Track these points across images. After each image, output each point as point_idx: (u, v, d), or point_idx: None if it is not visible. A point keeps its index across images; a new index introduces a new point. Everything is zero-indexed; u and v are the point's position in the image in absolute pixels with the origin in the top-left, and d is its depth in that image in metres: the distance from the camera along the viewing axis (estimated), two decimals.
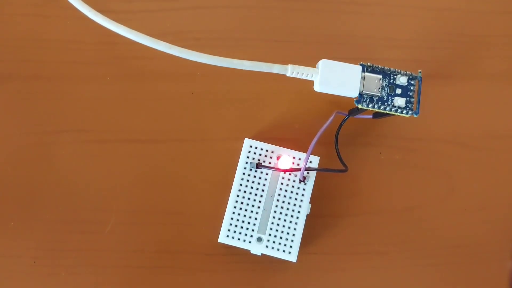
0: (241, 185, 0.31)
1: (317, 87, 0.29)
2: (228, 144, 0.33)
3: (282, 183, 0.32)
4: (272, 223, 0.31)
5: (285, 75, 0.30)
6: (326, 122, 0.31)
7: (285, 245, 0.31)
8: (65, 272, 0.32)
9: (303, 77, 0.29)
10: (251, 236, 0.31)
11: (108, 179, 0.33)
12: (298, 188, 0.32)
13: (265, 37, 0.35)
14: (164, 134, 0.34)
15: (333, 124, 0.31)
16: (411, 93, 0.30)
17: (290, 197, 0.31)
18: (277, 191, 0.31)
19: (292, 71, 0.29)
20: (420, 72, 0.30)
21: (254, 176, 0.32)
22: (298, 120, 0.34)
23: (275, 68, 0.29)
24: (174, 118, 0.34)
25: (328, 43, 0.35)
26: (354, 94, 0.29)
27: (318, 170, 0.32)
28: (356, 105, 0.29)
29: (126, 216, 0.33)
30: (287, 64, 0.29)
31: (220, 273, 0.32)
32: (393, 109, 0.29)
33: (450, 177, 0.34)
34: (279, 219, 0.31)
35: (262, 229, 0.31)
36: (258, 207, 0.31)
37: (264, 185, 0.32)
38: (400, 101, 0.29)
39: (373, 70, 0.30)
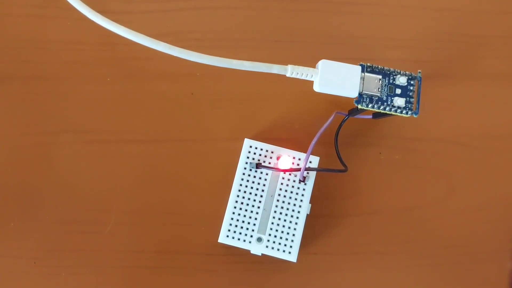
0: (241, 185, 0.31)
1: (316, 87, 0.29)
2: (228, 144, 0.33)
3: (282, 183, 0.32)
4: (272, 223, 0.31)
5: (285, 76, 0.30)
6: (326, 122, 0.31)
7: (285, 245, 0.31)
8: (65, 272, 0.32)
9: (303, 77, 0.29)
10: (251, 236, 0.31)
11: (108, 179, 0.33)
12: (298, 188, 0.32)
13: (264, 37, 0.35)
14: (164, 135, 0.34)
15: (333, 124, 0.31)
16: (410, 93, 0.30)
17: (290, 197, 0.31)
18: (277, 191, 0.31)
19: (291, 71, 0.29)
20: (419, 72, 0.30)
21: (254, 176, 0.32)
22: (298, 120, 0.34)
23: (275, 69, 0.29)
24: (174, 118, 0.34)
25: (327, 43, 0.35)
26: (354, 94, 0.29)
27: (318, 170, 0.32)
28: (356, 105, 0.29)
29: (126, 216, 0.33)
30: (286, 65, 0.29)
31: (220, 273, 0.32)
32: (392, 109, 0.29)
33: (450, 177, 0.34)
34: (279, 219, 0.31)
35: (262, 229, 0.31)
36: (258, 207, 0.31)
37: (264, 185, 0.32)
38: (399, 101, 0.29)
39: (372, 70, 0.30)
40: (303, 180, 0.31)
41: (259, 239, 0.31)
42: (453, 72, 0.35)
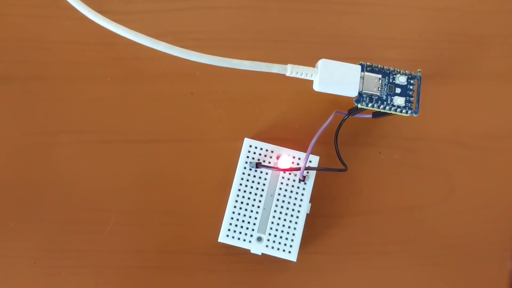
0: (241, 184, 0.31)
1: (316, 87, 0.29)
2: (228, 144, 0.33)
3: (282, 183, 0.32)
4: (272, 222, 0.31)
5: (284, 75, 0.30)
6: (325, 122, 0.31)
7: (285, 244, 0.31)
8: (66, 272, 0.32)
9: (303, 77, 0.29)
10: (251, 235, 0.31)
11: (108, 179, 0.33)
12: (298, 187, 0.32)
13: (264, 37, 0.35)
14: (164, 134, 0.34)
15: (333, 123, 0.31)
16: (410, 93, 0.30)
17: (290, 197, 0.31)
18: (277, 191, 0.31)
19: (291, 71, 0.29)
20: (419, 71, 0.30)
21: (254, 176, 0.32)
22: (298, 119, 0.34)
23: (275, 68, 0.29)
24: (174, 118, 0.34)
25: (327, 43, 0.35)
26: (354, 93, 0.29)
27: (317, 169, 0.32)
28: (356, 104, 0.29)
29: (126, 216, 0.33)
30: (286, 64, 0.29)
31: (220, 273, 0.32)
32: (392, 109, 0.29)
33: (450, 176, 0.34)
34: (279, 218, 0.31)
35: (262, 229, 0.31)
36: (258, 207, 0.31)
37: (264, 184, 0.32)
38: (399, 101, 0.29)
39: (372, 70, 0.30)
40: (303, 179, 0.31)
41: (259, 239, 0.31)
42: (453, 72, 0.35)
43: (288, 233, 0.31)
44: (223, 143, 0.34)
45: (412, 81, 0.30)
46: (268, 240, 0.31)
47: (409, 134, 0.34)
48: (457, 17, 0.36)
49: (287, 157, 0.32)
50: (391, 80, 0.30)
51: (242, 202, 0.31)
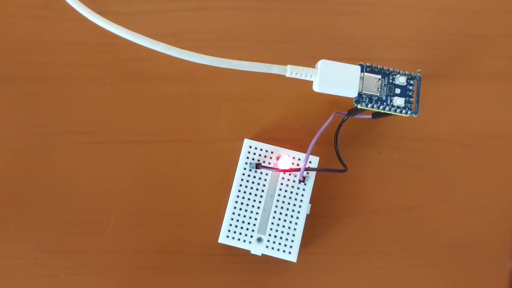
0: (241, 185, 0.31)
1: (316, 88, 0.29)
2: (228, 144, 0.33)
3: (282, 184, 0.32)
4: (272, 223, 0.31)
5: (284, 76, 0.30)
6: (325, 122, 0.31)
7: (285, 245, 0.31)
8: (66, 273, 0.32)
9: (302, 77, 0.29)
10: (251, 236, 0.31)
11: (108, 180, 0.33)
12: (298, 188, 0.32)
13: (264, 38, 0.35)
14: (164, 135, 0.34)
15: (333, 124, 0.31)
16: (410, 93, 0.30)
17: (290, 197, 0.31)
18: (277, 191, 0.31)
19: (291, 71, 0.29)
20: (419, 72, 0.30)
21: (254, 177, 0.32)
22: (298, 120, 0.34)
23: (274, 69, 0.29)
24: (174, 119, 0.34)
25: (327, 43, 0.35)
26: (353, 94, 0.29)
27: (317, 170, 0.32)
28: (355, 105, 0.29)
29: (126, 217, 0.33)
30: (286, 65, 0.29)
31: (221, 274, 0.32)
32: (392, 109, 0.29)
33: (449, 177, 0.34)
34: (279, 219, 0.31)
35: (262, 229, 0.31)
36: (258, 208, 0.31)
37: (264, 185, 0.32)
38: (399, 101, 0.29)
39: (372, 70, 0.30)
40: (303, 180, 0.31)
41: (259, 239, 0.31)
42: (453, 72, 0.35)
43: (288, 233, 0.31)
44: (223, 143, 0.34)
45: (411, 82, 0.30)
46: (268, 240, 0.31)
47: (409, 135, 0.34)
48: (456, 17, 0.36)
49: (287, 158, 0.32)
50: (390, 81, 0.30)
51: (242, 203, 0.31)
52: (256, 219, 0.31)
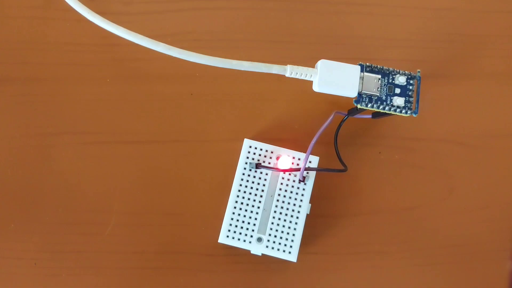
0: (241, 185, 0.31)
1: (316, 87, 0.29)
2: (228, 144, 0.33)
3: (282, 183, 0.32)
4: (272, 223, 0.31)
5: (284, 76, 0.30)
6: (325, 122, 0.31)
7: (285, 245, 0.31)
8: (66, 273, 0.32)
9: (302, 77, 0.29)
10: (251, 236, 0.31)
11: (108, 180, 0.33)
12: (298, 188, 0.32)
13: (264, 38, 0.35)
14: (164, 135, 0.34)
15: (333, 124, 0.31)
16: (410, 93, 0.30)
17: (290, 197, 0.31)
18: (277, 191, 0.32)
19: (291, 71, 0.29)
20: (419, 71, 0.30)
21: (254, 177, 0.32)
22: (298, 120, 0.34)
23: (274, 69, 0.29)
24: (174, 119, 0.34)
25: (326, 43, 0.35)
26: (353, 94, 0.29)
27: (317, 170, 0.32)
28: (355, 105, 0.29)
29: (126, 217, 0.33)
30: (286, 65, 0.29)
31: (221, 274, 0.32)
32: (392, 109, 0.29)
33: (449, 176, 0.34)
34: (279, 219, 0.31)
35: (262, 229, 0.31)
36: (258, 207, 0.31)
37: (264, 185, 0.32)
38: (399, 101, 0.29)
39: (372, 70, 0.30)
40: (303, 180, 0.31)
41: (259, 239, 0.31)
42: (452, 72, 0.35)
43: (288, 233, 0.31)
44: (223, 143, 0.34)
45: (411, 81, 0.30)
46: (268, 240, 0.31)
47: (408, 134, 0.34)
48: (456, 16, 0.36)
49: (287, 158, 0.32)
50: (390, 81, 0.30)
51: (242, 203, 0.31)
52: (256, 219, 0.31)
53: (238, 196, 0.31)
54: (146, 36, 0.29)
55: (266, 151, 0.32)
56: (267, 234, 0.31)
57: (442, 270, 0.33)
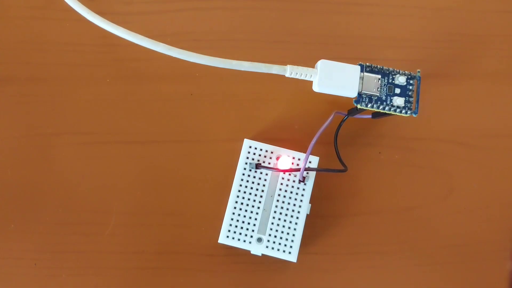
0: (240, 185, 0.31)
1: (316, 88, 0.29)
2: (228, 145, 0.33)
3: (281, 184, 0.32)
4: (272, 223, 0.31)
5: (284, 76, 0.30)
6: (325, 122, 0.31)
7: (285, 245, 0.31)
8: (66, 274, 0.32)
9: (302, 77, 0.29)
10: (251, 236, 0.31)
11: (108, 180, 0.33)
12: (298, 188, 0.32)
13: (263, 38, 0.35)
14: (164, 135, 0.34)
15: (332, 124, 0.31)
16: (410, 93, 0.30)
17: (290, 197, 0.31)
18: (277, 192, 0.32)
19: (291, 71, 0.29)
20: (418, 71, 0.30)
21: (254, 177, 0.32)
22: (297, 120, 0.34)
23: (274, 69, 0.29)
24: (174, 119, 0.34)
25: (326, 43, 0.35)
26: (353, 94, 0.29)
27: (317, 170, 0.32)
28: (355, 105, 0.29)
29: (126, 217, 0.33)
30: (286, 65, 0.29)
31: (221, 274, 0.32)
32: (392, 109, 0.29)
33: (449, 176, 0.34)
34: (279, 219, 0.31)
35: (262, 230, 0.31)
36: (258, 208, 0.31)
37: (263, 185, 0.32)
38: (399, 101, 0.29)
39: (372, 70, 0.30)
40: (302, 180, 0.31)
41: (259, 240, 0.31)
42: (452, 71, 0.35)
43: (288, 233, 0.31)
44: (223, 144, 0.34)
45: (411, 81, 0.30)
46: (268, 240, 0.31)
47: (408, 134, 0.34)
48: (456, 16, 0.36)
49: (286, 158, 0.32)
50: (390, 81, 0.30)
51: (242, 203, 0.31)
52: (256, 219, 0.31)
53: (238, 196, 0.31)
54: (146, 36, 0.29)
55: (266, 151, 0.32)
56: (267, 234, 0.31)
57: (442, 270, 0.33)
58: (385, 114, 0.30)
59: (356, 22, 0.35)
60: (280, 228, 0.31)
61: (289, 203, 0.31)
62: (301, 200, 0.31)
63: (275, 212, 0.31)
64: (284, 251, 0.31)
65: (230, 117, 0.34)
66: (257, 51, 0.35)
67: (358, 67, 0.29)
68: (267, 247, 0.31)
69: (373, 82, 0.30)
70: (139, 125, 0.34)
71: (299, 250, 0.31)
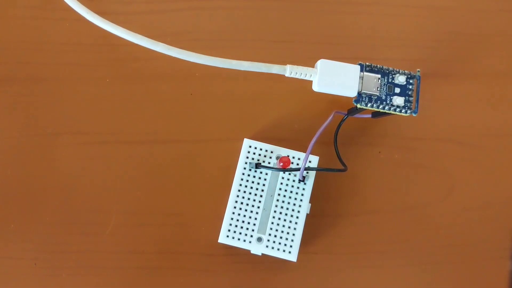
0: (240, 185, 0.31)
1: (315, 87, 0.29)
2: (228, 144, 0.33)
3: (281, 183, 0.32)
4: (272, 223, 0.31)
5: (284, 76, 0.30)
6: (325, 122, 0.31)
7: (285, 244, 0.31)
8: (66, 273, 0.32)
9: (302, 77, 0.29)
10: (251, 236, 0.31)
11: (108, 180, 0.33)
12: (298, 187, 0.32)
13: (263, 37, 0.35)
14: (164, 135, 0.34)
15: (332, 123, 0.31)
16: (409, 92, 0.30)
17: (290, 197, 0.31)
18: (277, 191, 0.32)
19: (290, 71, 0.29)
20: (418, 71, 0.30)
21: (254, 176, 0.32)
22: (297, 120, 0.34)
23: (274, 69, 0.29)
24: (173, 119, 0.34)
25: (326, 43, 0.35)
26: (353, 93, 0.29)
27: (317, 169, 0.32)
28: (355, 104, 0.29)
29: (126, 217, 0.33)
30: (285, 65, 0.29)
31: (221, 274, 0.32)
32: (391, 108, 0.29)
33: (449, 176, 0.34)
34: (279, 219, 0.31)
35: (262, 229, 0.31)
36: (258, 207, 0.31)
37: (263, 185, 0.32)
38: (398, 100, 0.29)
39: (371, 70, 0.30)
40: (302, 179, 0.31)
41: (259, 239, 0.31)
42: (452, 71, 0.35)
43: (288, 233, 0.31)
44: (223, 143, 0.34)
45: (411, 81, 0.30)
46: (268, 240, 0.31)
47: (408, 134, 0.34)
48: (456, 16, 0.36)
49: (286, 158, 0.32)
50: (390, 80, 0.30)
51: (242, 203, 0.31)
52: (256, 218, 0.31)
53: (238, 196, 0.31)
54: (146, 36, 0.29)
55: (266, 150, 0.32)
56: (267, 234, 0.31)
57: (442, 270, 0.33)
58: (385, 113, 0.30)
59: (356, 22, 0.35)
60: (280, 228, 0.31)
61: (289, 203, 0.31)
62: (301, 200, 0.31)
63: (275, 211, 0.31)
64: (284, 251, 0.31)
65: (230, 116, 0.34)
66: (257, 51, 0.35)
67: (358, 67, 0.29)
68: (267, 246, 0.31)
69: (373, 82, 0.30)
70: (139, 125, 0.34)
71: (299, 249, 0.31)
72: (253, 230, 0.31)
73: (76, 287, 0.32)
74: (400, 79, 0.30)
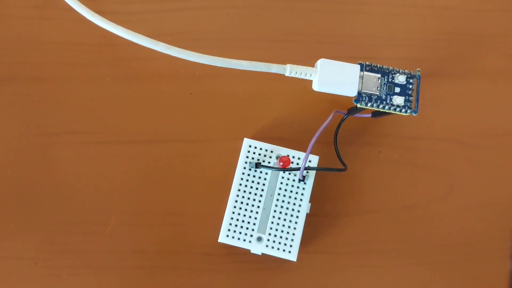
0: (240, 185, 0.31)
1: (315, 87, 0.29)
2: (228, 144, 0.33)
3: (281, 183, 0.32)
4: (272, 222, 0.31)
5: (284, 75, 0.30)
6: (325, 122, 0.31)
7: (285, 244, 0.31)
8: (66, 273, 0.32)
9: (302, 76, 0.29)
10: (251, 235, 0.31)
11: (108, 180, 0.33)
12: (298, 187, 0.32)
13: (263, 37, 0.35)
14: (164, 135, 0.34)
15: (332, 123, 0.31)
16: (409, 92, 0.30)
17: (290, 197, 0.31)
18: (277, 191, 0.32)
19: (290, 70, 0.29)
20: (418, 70, 0.30)
21: (254, 176, 0.32)
22: (297, 119, 0.34)
23: (274, 68, 0.29)
24: (173, 118, 0.34)
25: (326, 42, 0.35)
26: (353, 93, 0.29)
27: (317, 169, 0.32)
28: (355, 104, 0.29)
29: (126, 217, 0.33)
30: (285, 64, 0.29)
31: (221, 273, 0.32)
32: (392, 108, 0.29)
33: (449, 175, 0.34)
34: (279, 218, 0.31)
35: (262, 229, 0.31)
36: (258, 207, 0.31)
37: (263, 184, 0.32)
38: (398, 100, 0.29)
39: (371, 69, 0.30)
40: (302, 179, 0.31)
41: (259, 239, 0.31)
42: (452, 70, 0.35)
43: (288, 233, 0.31)
44: (223, 143, 0.34)
45: (411, 80, 0.30)
46: (268, 240, 0.31)
47: (408, 133, 0.34)
48: (456, 15, 0.36)
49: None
50: (390, 80, 0.30)
51: (242, 202, 0.31)
52: (256, 218, 0.31)
53: (238, 196, 0.31)
54: (146, 36, 0.29)
55: (266, 150, 0.32)
56: (267, 233, 0.31)
57: (442, 269, 0.33)
58: (385, 113, 0.30)
59: (356, 21, 0.35)
60: (280, 227, 0.31)
61: (289, 202, 0.31)
62: (301, 199, 0.31)
63: (275, 211, 0.31)
64: (284, 250, 0.31)
65: (230, 116, 0.34)
66: (257, 50, 0.35)
67: (358, 66, 0.29)
68: (267, 246, 0.31)
69: (373, 81, 0.30)
70: (139, 125, 0.34)
71: (299, 249, 0.31)
72: (253, 230, 0.31)
73: (76, 287, 0.32)
74: (400, 79, 0.30)
